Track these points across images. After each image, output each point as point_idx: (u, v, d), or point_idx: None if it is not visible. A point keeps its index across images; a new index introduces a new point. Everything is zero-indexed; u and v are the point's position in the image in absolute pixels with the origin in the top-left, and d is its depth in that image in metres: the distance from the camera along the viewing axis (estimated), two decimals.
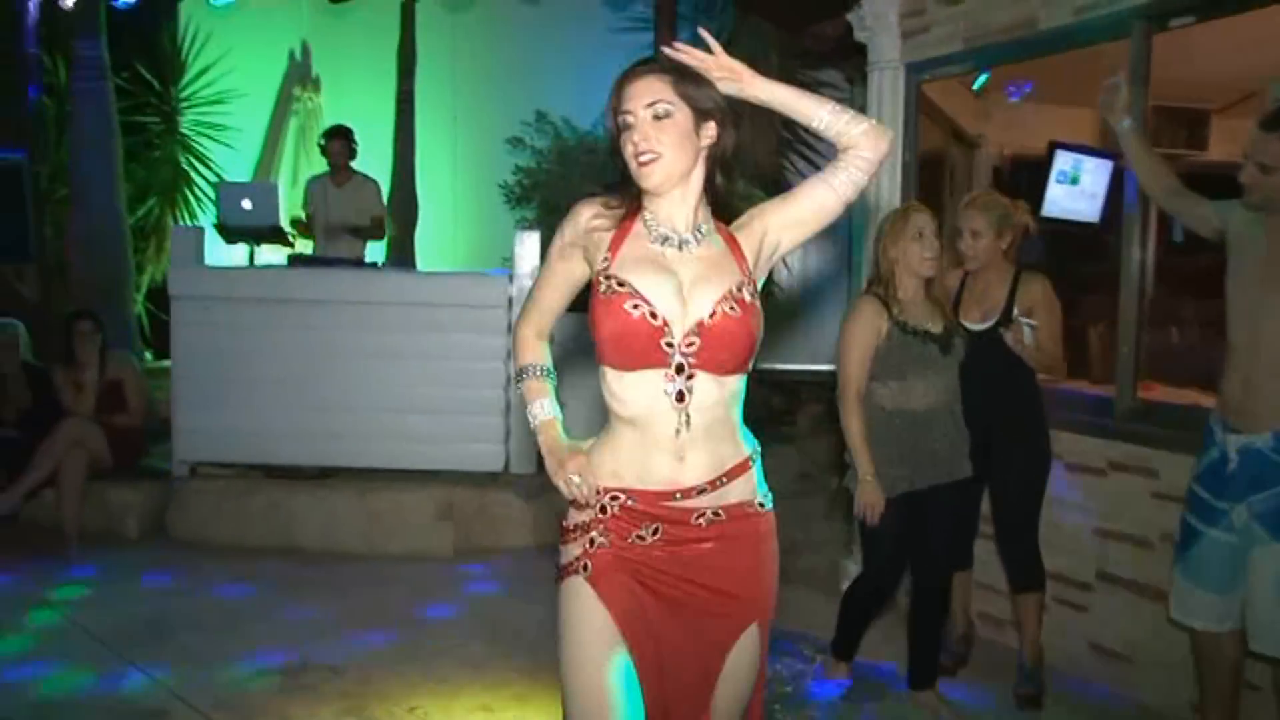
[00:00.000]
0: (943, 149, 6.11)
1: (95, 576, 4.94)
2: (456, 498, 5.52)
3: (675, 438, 1.88)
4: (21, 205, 5.93)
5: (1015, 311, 3.51)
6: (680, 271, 1.91)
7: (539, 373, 2.03)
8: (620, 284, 1.88)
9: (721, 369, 1.89)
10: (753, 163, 7.26)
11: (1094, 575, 3.79)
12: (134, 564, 5.17)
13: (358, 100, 8.91)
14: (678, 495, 1.91)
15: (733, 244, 1.97)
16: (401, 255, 8.47)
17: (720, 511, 1.94)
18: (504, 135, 7.50)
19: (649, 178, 1.88)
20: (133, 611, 4.46)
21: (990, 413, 3.56)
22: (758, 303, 1.93)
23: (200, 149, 8.21)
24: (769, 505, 2.03)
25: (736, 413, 1.97)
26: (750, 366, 1.97)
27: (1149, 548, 3.57)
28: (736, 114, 1.95)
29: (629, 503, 1.92)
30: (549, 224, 7.52)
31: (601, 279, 1.91)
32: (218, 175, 8.13)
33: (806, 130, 6.17)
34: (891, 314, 3.29)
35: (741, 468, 1.96)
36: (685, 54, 1.92)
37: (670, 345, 1.86)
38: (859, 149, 1.94)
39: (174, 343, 5.81)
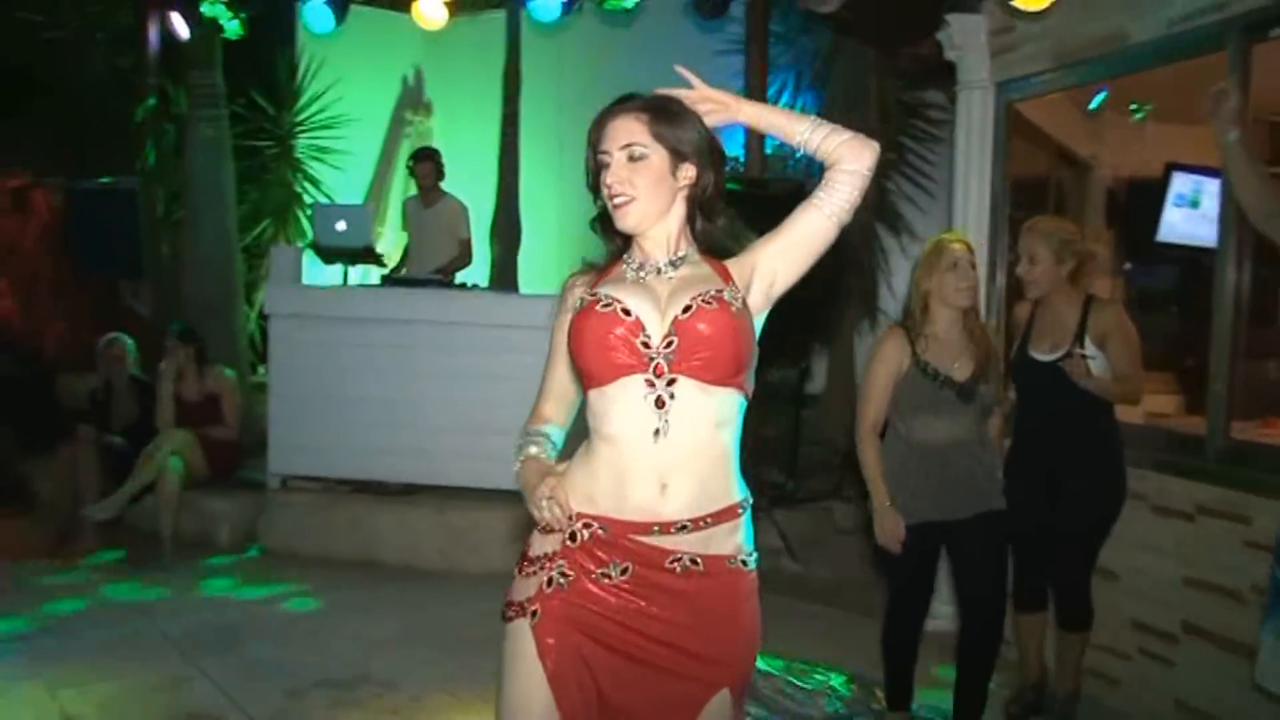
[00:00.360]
0: (1047, 172, 5.86)
1: (183, 582, 5.11)
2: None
3: (655, 450, 1.77)
4: (135, 228, 6.25)
5: (1086, 341, 3.31)
6: (659, 289, 1.86)
7: (534, 435, 1.92)
8: (594, 294, 1.84)
9: (705, 372, 1.78)
10: None
11: (1180, 627, 3.52)
12: (221, 572, 5.34)
13: (468, 123, 9.07)
14: (655, 529, 1.80)
15: (719, 268, 1.90)
16: (504, 277, 8.56)
17: (699, 560, 1.82)
18: None
19: (624, 219, 1.85)
20: (211, 618, 4.62)
21: (1058, 446, 3.42)
22: (746, 311, 1.84)
23: (312, 172, 8.49)
24: (753, 565, 1.89)
25: (728, 442, 1.85)
26: (744, 386, 1.85)
27: (1240, 600, 3.29)
28: (718, 154, 1.91)
29: (600, 532, 1.81)
30: None
31: (579, 300, 1.87)
32: (329, 197, 8.38)
33: (913, 153, 5.94)
34: (915, 351, 3.19)
35: (729, 513, 1.84)
36: (669, 90, 1.89)
37: (647, 345, 1.79)
38: (842, 163, 1.85)
39: (270, 359, 6.01)
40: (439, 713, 3.68)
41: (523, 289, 8.34)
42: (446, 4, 6.46)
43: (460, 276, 6.66)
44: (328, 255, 6.21)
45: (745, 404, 1.87)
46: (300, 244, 7.65)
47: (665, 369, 1.78)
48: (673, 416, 1.78)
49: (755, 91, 5.80)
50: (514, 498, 5.81)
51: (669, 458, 1.78)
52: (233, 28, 6.50)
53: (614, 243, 1.93)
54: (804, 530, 6.07)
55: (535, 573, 1.84)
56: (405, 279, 6.23)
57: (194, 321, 6.72)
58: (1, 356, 6.33)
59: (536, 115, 8.80)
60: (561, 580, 1.81)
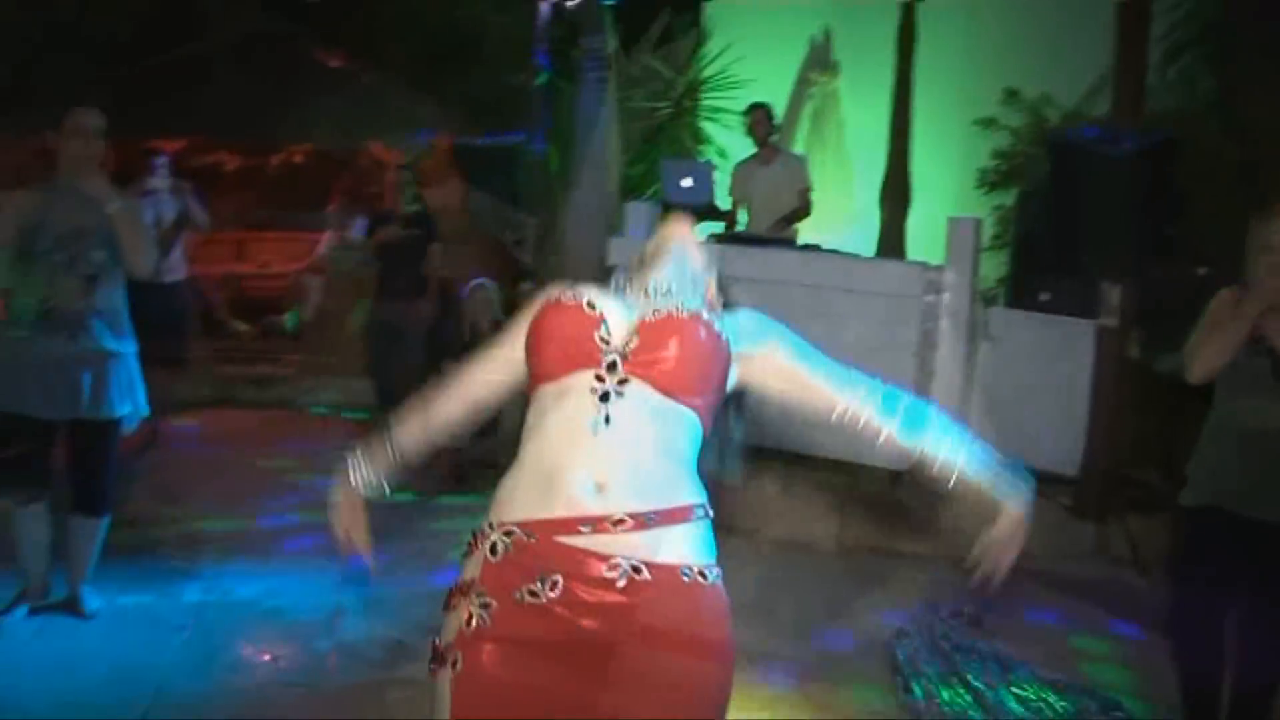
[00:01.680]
0: None
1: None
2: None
3: (592, 443, 1.58)
4: (514, 179, 6.84)
5: None
6: (637, 300, 1.78)
7: (371, 455, 1.84)
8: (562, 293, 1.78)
9: (662, 380, 1.61)
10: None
11: None
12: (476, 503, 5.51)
13: (872, 86, 8.78)
14: (585, 527, 1.53)
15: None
16: (892, 241, 8.27)
17: (643, 568, 1.51)
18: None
19: None
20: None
21: None
22: (721, 334, 1.68)
23: (706, 134, 8.67)
24: (714, 579, 1.58)
25: (680, 456, 1.63)
26: (702, 412, 1.65)
27: None
28: None
29: (525, 538, 1.55)
30: (1010, 214, 6.84)
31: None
32: (723, 157, 8.53)
33: None
34: None
35: (680, 514, 1.58)
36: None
37: (605, 341, 1.65)
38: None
39: None
40: None
41: (910, 255, 8.00)
42: None
43: (841, 240, 6.54)
44: (673, 211, 6.33)
45: (700, 438, 1.66)
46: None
47: (619, 366, 1.63)
48: (615, 412, 1.60)
49: (1132, 46, 5.06)
50: (834, 467, 5.55)
51: (606, 453, 1.59)
52: None
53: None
54: (1165, 544, 5.23)
55: (456, 606, 1.62)
56: (743, 235, 6.19)
57: (572, 273, 7.21)
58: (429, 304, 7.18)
59: (935, 74, 8.35)
60: (483, 613, 1.57)
